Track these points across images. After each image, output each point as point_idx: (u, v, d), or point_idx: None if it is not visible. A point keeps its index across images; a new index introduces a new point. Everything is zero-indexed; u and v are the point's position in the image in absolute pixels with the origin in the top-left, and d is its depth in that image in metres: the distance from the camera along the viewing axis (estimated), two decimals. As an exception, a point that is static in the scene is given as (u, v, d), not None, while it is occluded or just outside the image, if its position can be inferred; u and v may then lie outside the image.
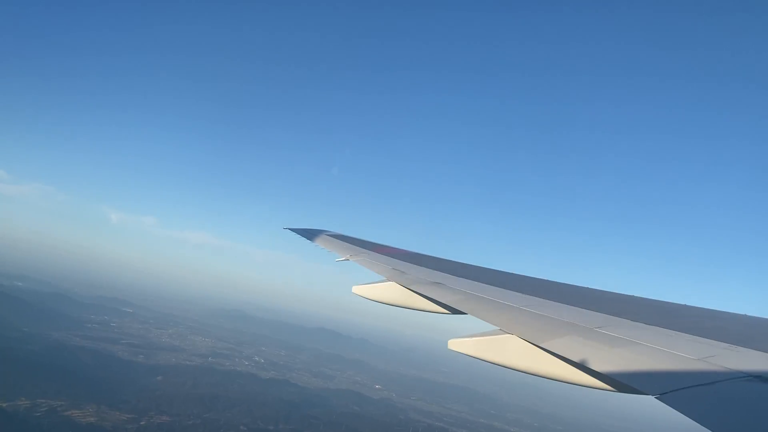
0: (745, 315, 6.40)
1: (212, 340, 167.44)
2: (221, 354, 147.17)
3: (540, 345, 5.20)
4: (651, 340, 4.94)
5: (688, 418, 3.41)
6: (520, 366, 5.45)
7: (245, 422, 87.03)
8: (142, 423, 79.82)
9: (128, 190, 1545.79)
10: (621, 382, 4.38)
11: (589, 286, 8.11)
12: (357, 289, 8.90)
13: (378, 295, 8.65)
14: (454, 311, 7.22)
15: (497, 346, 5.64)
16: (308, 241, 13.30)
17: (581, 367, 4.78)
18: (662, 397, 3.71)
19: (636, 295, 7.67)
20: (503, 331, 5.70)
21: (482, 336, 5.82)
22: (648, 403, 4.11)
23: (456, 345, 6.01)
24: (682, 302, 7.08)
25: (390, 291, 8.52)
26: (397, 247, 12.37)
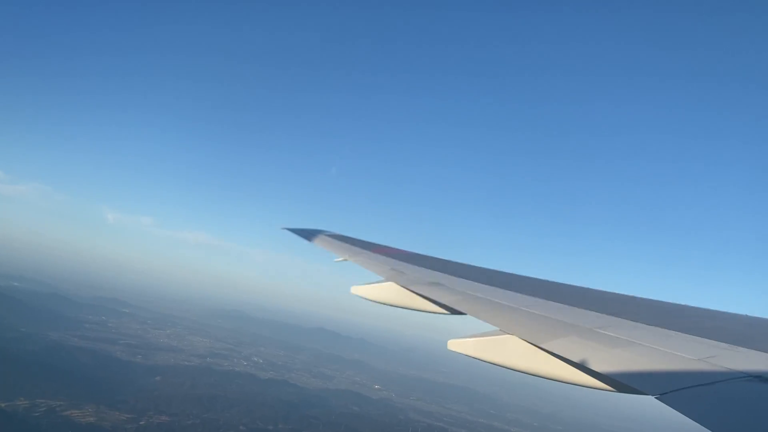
0: (745, 315, 6.40)
1: (211, 341, 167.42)
2: (220, 354, 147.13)
3: (540, 345, 5.20)
4: (651, 340, 4.94)
5: (688, 418, 3.41)
6: (520, 366, 5.44)
7: (244, 422, 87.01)
8: (141, 423, 79.81)
9: (126, 190, 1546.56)
10: (621, 383, 4.38)
11: (589, 287, 8.11)
12: (356, 290, 8.89)
13: (377, 295, 8.64)
14: (454, 311, 7.21)
15: (497, 346, 5.63)
16: (307, 241, 13.30)
17: (581, 367, 4.78)
18: (662, 397, 3.71)
19: (636, 295, 7.67)
20: (503, 332, 5.69)
21: (482, 336, 5.82)
22: (648, 403, 4.11)
23: (456, 345, 6.00)
24: (682, 302, 7.08)
25: (389, 291, 8.51)
26: (396, 247, 12.36)
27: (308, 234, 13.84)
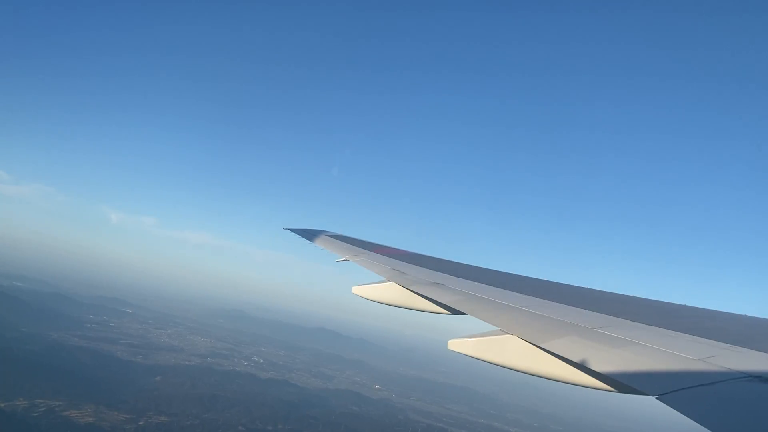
0: (745, 315, 6.40)
1: (211, 340, 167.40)
2: (220, 354, 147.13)
3: (540, 345, 5.20)
4: (651, 340, 4.94)
5: (688, 418, 3.41)
6: (520, 366, 5.45)
7: (244, 422, 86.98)
8: (140, 423, 79.74)
9: (128, 190, 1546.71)
10: (621, 383, 4.38)
11: (589, 287, 8.12)
12: (356, 290, 8.89)
13: (378, 295, 8.64)
14: (454, 311, 7.22)
15: (497, 346, 5.64)
16: (308, 241, 13.30)
17: (581, 367, 4.78)
18: (662, 397, 3.72)
19: (636, 295, 7.67)
20: (503, 332, 5.70)
21: (482, 336, 5.82)
22: (648, 403, 4.11)
23: (456, 345, 6.00)
24: (682, 302, 7.08)
25: (390, 291, 8.51)
26: (396, 247, 12.37)
27: (309, 234, 13.84)
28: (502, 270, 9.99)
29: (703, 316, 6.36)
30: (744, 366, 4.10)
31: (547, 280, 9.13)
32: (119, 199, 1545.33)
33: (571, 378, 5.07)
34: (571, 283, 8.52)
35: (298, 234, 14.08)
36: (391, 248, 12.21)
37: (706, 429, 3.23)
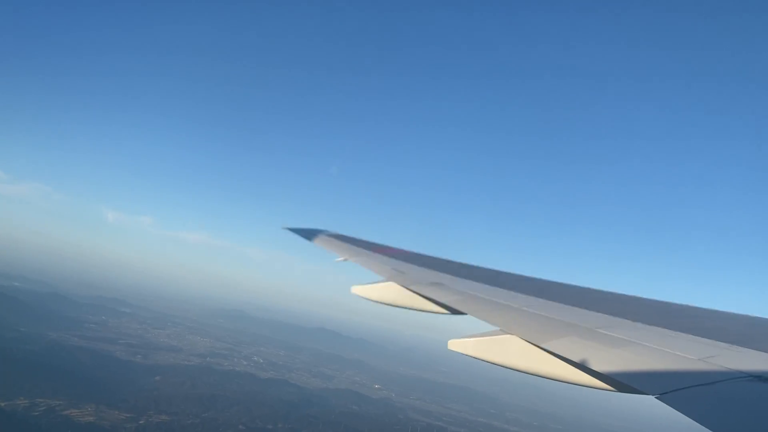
0: (745, 315, 6.40)
1: (211, 340, 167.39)
2: (220, 354, 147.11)
3: (540, 345, 5.21)
4: (651, 340, 4.94)
5: (688, 418, 3.41)
6: (520, 366, 5.44)
7: (244, 421, 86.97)
8: (141, 422, 79.77)
9: (126, 190, 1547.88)
10: (621, 382, 4.38)
11: (589, 287, 8.12)
12: (356, 290, 8.87)
13: (377, 295, 8.63)
14: (454, 311, 7.21)
15: (497, 346, 5.64)
16: (308, 241, 13.27)
17: (581, 367, 4.78)
18: (662, 397, 3.72)
19: (636, 295, 7.67)
20: (503, 332, 5.69)
21: (482, 336, 5.82)
22: (648, 403, 4.11)
23: (456, 345, 6.00)
24: (682, 302, 7.08)
25: (389, 291, 8.50)
26: (396, 247, 12.36)
27: (309, 234, 13.82)
28: (502, 270, 9.98)
29: (703, 316, 6.36)
30: (744, 366, 4.11)
31: (547, 280, 9.12)
32: (118, 199, 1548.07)
33: (571, 378, 5.06)
34: (571, 283, 8.52)
35: (298, 234, 14.05)
36: (391, 248, 12.20)
37: (706, 429, 3.23)
